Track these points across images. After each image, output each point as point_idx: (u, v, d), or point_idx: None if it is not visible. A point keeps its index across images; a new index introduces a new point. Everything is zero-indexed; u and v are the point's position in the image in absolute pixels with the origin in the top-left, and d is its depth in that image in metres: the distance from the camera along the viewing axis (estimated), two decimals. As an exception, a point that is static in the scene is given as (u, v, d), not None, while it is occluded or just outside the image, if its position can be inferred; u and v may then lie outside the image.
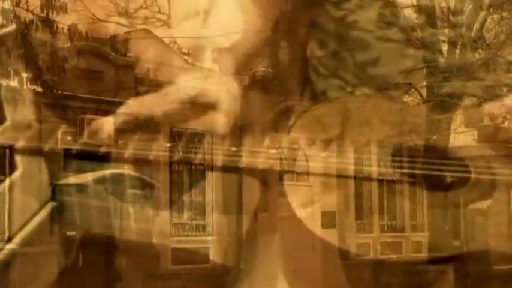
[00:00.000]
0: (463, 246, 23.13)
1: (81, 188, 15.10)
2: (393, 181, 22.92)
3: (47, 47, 12.92)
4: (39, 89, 13.71)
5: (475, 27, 15.39)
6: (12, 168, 14.99)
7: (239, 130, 18.60)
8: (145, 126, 16.74)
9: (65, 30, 12.29)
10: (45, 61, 12.22)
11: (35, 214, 14.98)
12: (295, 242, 19.25)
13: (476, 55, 15.32)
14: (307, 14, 17.87)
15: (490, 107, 19.39)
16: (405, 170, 22.74)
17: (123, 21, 21.97)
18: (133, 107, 15.90)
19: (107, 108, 16.22)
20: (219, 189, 18.33)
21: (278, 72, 18.67)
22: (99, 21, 20.68)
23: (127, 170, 15.91)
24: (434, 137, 16.27)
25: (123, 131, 16.28)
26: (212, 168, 18.28)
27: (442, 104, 15.47)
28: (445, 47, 16.46)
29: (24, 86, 11.95)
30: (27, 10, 11.87)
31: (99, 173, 15.21)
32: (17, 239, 14.82)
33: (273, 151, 18.96)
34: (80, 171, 15.42)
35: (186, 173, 17.97)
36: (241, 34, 17.71)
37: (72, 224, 15.61)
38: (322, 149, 19.85)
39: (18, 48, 11.55)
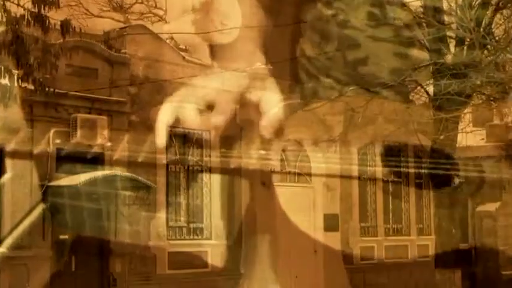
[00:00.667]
0: (471, 249, 23.18)
1: (74, 189, 15.08)
2: (399, 182, 22.95)
3: (38, 44, 12.88)
4: (31, 86, 13.69)
5: (483, 22, 15.39)
6: (2, 170, 15.01)
7: (238, 130, 18.61)
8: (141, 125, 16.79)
9: (58, 26, 12.24)
10: (36, 58, 12.19)
11: (25, 217, 14.97)
12: (297, 246, 19.27)
13: (485, 52, 15.30)
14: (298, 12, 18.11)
15: (499, 106, 19.38)
16: (411, 170, 22.80)
17: (117, 16, 22.00)
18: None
19: (101, 106, 16.23)
20: (217, 191, 18.33)
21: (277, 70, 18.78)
22: (93, 17, 20.71)
23: (122, 171, 15.90)
24: (441, 137, 16.27)
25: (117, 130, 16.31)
26: (210, 169, 18.28)
27: (449, 102, 15.46)
28: (452, 44, 16.47)
29: (15, 84, 11.93)
30: (18, 5, 11.84)
31: (92, 174, 15.19)
32: (7, 242, 14.83)
33: (273, 151, 18.98)
34: (73, 172, 15.42)
35: (183, 175, 17.98)
36: (240, 29, 17.72)
37: (65, 227, 15.62)
38: (325, 149, 19.85)
39: (8, 44, 11.53)
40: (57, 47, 12.45)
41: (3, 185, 14.99)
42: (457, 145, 17.22)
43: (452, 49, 16.31)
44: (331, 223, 20.24)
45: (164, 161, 17.28)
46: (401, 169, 22.73)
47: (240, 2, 18.07)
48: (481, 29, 14.84)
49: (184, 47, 18.86)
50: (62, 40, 12.64)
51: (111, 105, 16.41)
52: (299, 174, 19.97)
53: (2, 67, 11.54)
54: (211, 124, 18.03)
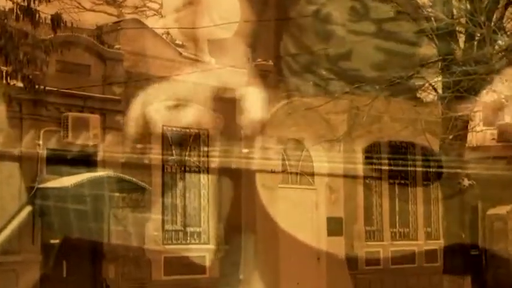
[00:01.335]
0: (482, 254, 23.16)
1: (64, 192, 15.08)
2: (406, 184, 22.96)
3: (28, 39, 12.88)
4: (20, 84, 13.69)
5: (494, 16, 15.37)
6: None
7: (237, 129, 18.63)
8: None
9: (48, 20, 12.25)
10: (26, 54, 12.21)
11: (13, 220, 14.95)
12: (299, 251, 19.27)
13: (496, 47, 15.29)
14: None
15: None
16: (418, 169, 22.80)
17: (111, 10, 22.00)
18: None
19: (94, 105, 16.23)
20: (216, 194, 18.33)
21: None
22: (85, 10, 20.71)
23: (115, 172, 15.89)
24: (450, 137, 16.25)
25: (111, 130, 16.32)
26: (208, 170, 18.29)
27: (459, 100, 15.43)
28: (461, 38, 16.48)
29: (4, 81, 11.94)
30: (7, -2, 11.87)
31: (84, 176, 15.18)
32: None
33: (274, 151, 18.98)
34: (64, 173, 15.41)
35: (179, 176, 17.98)
36: (240, 24, 17.74)
37: (56, 230, 15.62)
38: (328, 149, 19.85)
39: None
40: (48, 43, 12.46)
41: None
42: (467, 145, 17.19)
43: (461, 44, 16.30)
44: (334, 227, 20.25)
45: (160, 161, 17.29)
46: (409, 169, 22.74)
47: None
48: (492, 24, 14.82)
49: (181, 43, 18.87)
50: (52, 35, 12.65)
51: (104, 104, 16.40)
52: (299, 174, 19.95)
53: (-10, 63, 11.56)
54: (210, 121, 18.07)
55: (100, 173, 15.72)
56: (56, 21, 12.08)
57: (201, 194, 18.29)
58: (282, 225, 18.90)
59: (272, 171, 19.01)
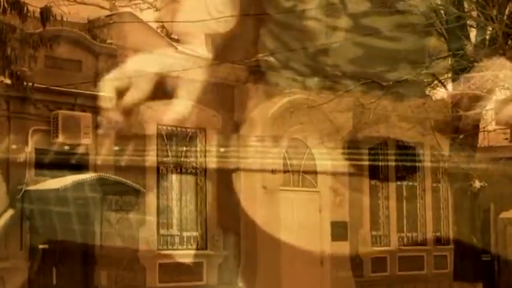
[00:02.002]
0: (494, 259, 23.17)
1: (55, 194, 15.07)
2: (414, 186, 22.96)
3: (16, 33, 12.91)
4: (7, 81, 13.71)
5: (507, 9, 15.40)
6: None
7: (236, 127, 18.63)
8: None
9: (37, 14, 12.26)
10: (13, 49, 12.24)
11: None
12: (301, 256, 19.27)
13: (509, 41, 15.31)
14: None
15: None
16: (427, 170, 22.81)
17: (103, 3, 21.94)
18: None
19: (85, 102, 16.21)
20: (213, 196, 18.33)
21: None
22: (76, 3, 20.67)
23: (107, 173, 15.88)
24: (461, 136, 16.26)
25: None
26: (205, 171, 18.29)
27: (469, 98, 15.45)
28: (473, 33, 16.50)
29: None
30: (-7, -10, 11.87)
31: (75, 178, 15.16)
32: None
33: (275, 151, 18.98)
34: (54, 175, 15.40)
35: (175, 178, 17.99)
36: (238, 18, 17.75)
37: (45, 235, 15.61)
38: (332, 148, 19.84)
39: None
40: (37, 37, 12.50)
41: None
42: (478, 145, 17.19)
43: (472, 39, 16.32)
44: (339, 231, 20.23)
45: (155, 162, 17.30)
46: (417, 171, 22.75)
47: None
48: (505, 17, 14.83)
49: (176, 37, 18.87)
50: (41, 29, 12.66)
51: (96, 101, 16.37)
52: (301, 174, 19.94)
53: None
54: (207, 120, 18.08)
55: (91, 174, 15.70)
56: (45, 14, 12.11)
57: (198, 197, 18.29)
58: (284, 230, 18.90)
59: (273, 171, 18.98)
